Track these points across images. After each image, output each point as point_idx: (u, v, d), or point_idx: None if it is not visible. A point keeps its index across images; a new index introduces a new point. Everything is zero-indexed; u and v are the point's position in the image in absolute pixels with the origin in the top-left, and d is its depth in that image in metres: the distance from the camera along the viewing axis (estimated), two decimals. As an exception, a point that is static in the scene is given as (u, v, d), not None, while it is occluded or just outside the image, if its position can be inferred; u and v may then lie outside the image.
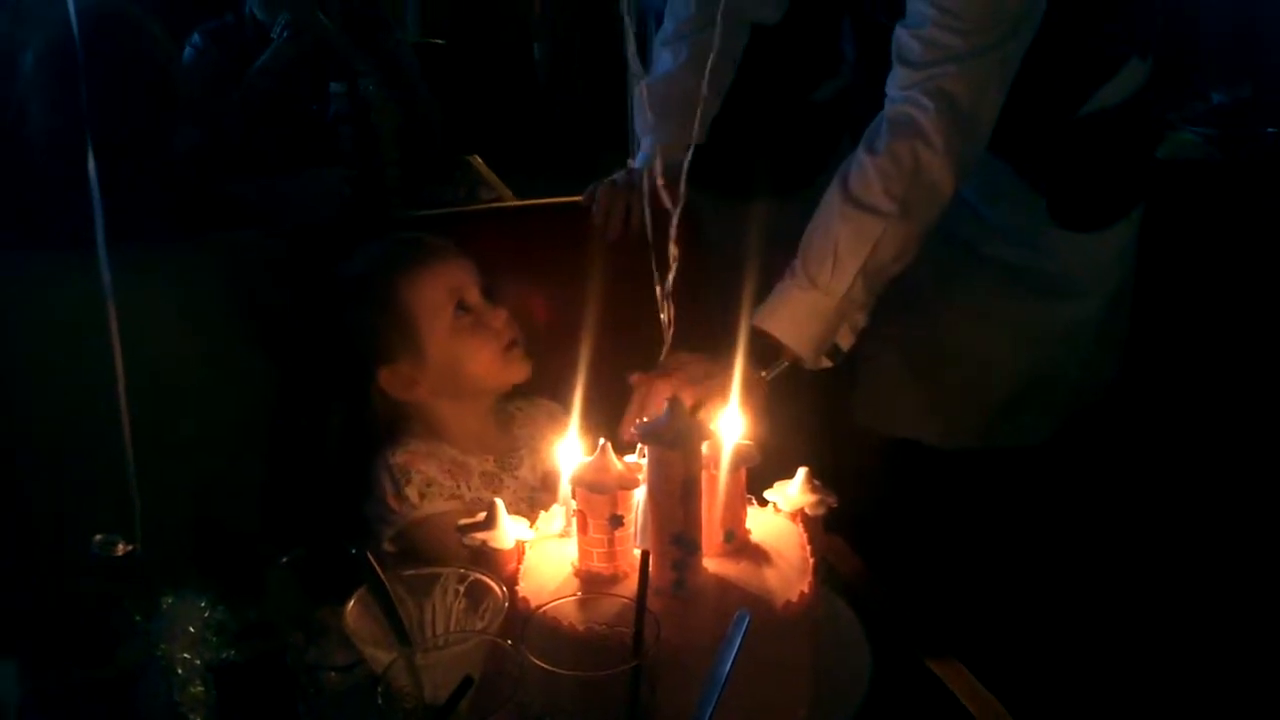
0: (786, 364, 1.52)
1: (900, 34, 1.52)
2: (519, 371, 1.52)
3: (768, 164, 2.04)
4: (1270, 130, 3.02)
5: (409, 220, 1.93)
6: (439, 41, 4.24)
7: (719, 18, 1.55)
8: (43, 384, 1.49)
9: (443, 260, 1.52)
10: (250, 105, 2.67)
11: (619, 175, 1.78)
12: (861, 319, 1.55)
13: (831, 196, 1.52)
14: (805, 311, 1.51)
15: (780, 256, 1.58)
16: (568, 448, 1.14)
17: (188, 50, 2.75)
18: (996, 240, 1.82)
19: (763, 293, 1.54)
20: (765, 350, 1.51)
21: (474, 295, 1.51)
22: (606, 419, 1.45)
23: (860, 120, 1.63)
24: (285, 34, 2.74)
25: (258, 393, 1.55)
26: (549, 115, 5.28)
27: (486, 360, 1.50)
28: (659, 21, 1.97)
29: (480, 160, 2.96)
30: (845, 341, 1.56)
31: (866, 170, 1.49)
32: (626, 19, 1.48)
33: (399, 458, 1.46)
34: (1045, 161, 1.74)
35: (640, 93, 1.63)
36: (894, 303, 1.62)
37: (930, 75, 1.48)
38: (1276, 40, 3.80)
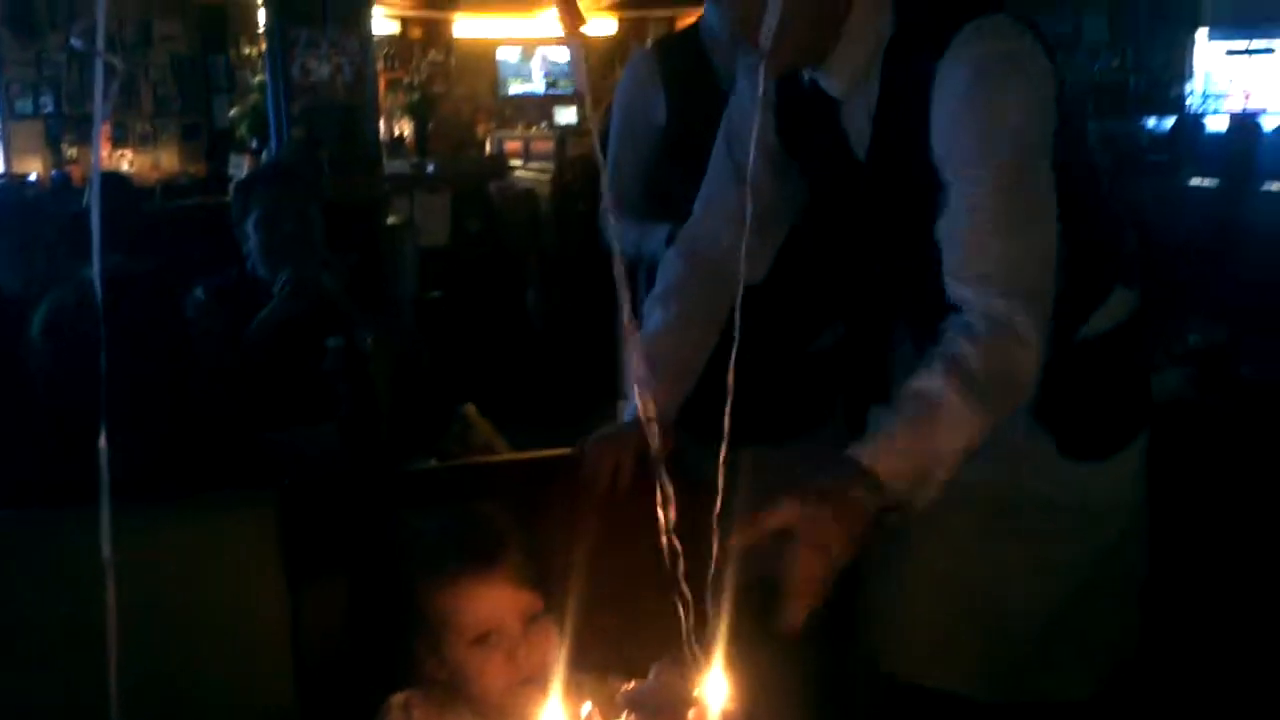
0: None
1: (950, 233, 1.56)
2: (521, 708, 1.38)
3: (764, 413, 2.05)
4: (1245, 370, 3.08)
5: (405, 476, 1.94)
6: (436, 294, 4.37)
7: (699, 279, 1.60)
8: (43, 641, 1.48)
9: (492, 581, 1.43)
10: (248, 361, 2.72)
11: (608, 429, 1.79)
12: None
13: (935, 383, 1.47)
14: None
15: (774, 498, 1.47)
16: (552, 713, 1.12)
17: (190, 306, 2.82)
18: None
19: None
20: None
21: (514, 625, 1.43)
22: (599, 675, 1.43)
23: (856, 369, 1.65)
24: (286, 290, 2.83)
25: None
26: (543, 363, 5.38)
27: (495, 688, 1.42)
28: (651, 278, 2.02)
29: (474, 409, 3.00)
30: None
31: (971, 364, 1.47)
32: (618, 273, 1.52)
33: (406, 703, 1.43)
34: (1043, 390, 1.68)
35: (630, 348, 1.66)
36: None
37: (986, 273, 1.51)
38: (1252, 283, 3.93)
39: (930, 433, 1.43)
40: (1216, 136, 7.60)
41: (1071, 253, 1.61)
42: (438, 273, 5.41)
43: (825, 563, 1.31)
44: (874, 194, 1.71)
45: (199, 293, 2.86)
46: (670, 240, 2.11)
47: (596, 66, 11.18)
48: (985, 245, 1.53)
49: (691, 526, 1.10)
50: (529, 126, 10.05)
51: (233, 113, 8.72)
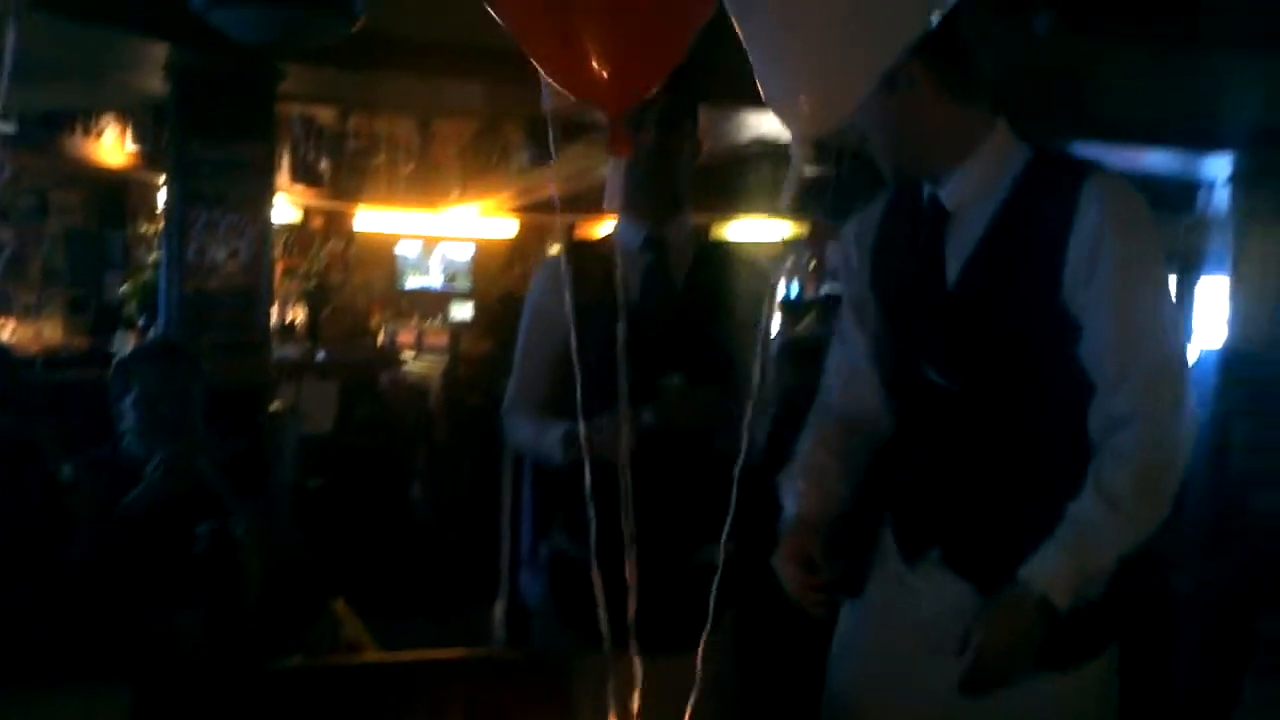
0: None
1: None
2: None
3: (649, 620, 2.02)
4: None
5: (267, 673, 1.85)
6: (317, 482, 4.28)
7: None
8: None
9: None
10: (116, 540, 2.61)
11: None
12: None
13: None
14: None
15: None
16: None
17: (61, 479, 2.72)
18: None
19: None
20: None
21: None
22: None
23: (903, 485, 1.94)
24: (160, 470, 2.73)
25: None
26: (424, 557, 5.27)
27: None
28: (535, 474, 2.02)
29: (344, 605, 2.91)
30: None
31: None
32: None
33: None
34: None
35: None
36: None
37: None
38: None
39: (1083, 552, 1.77)
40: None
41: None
42: (321, 461, 5.32)
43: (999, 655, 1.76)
44: (957, 315, 1.89)
45: (67, 469, 2.76)
46: (566, 440, 2.19)
47: (496, 264, 11.38)
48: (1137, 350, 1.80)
49: None
50: (424, 319, 10.11)
51: (123, 289, 8.61)
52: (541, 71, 1.61)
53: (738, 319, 2.27)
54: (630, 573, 1.72)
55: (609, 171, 2.42)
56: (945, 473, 1.93)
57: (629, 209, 2.34)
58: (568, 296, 2.35)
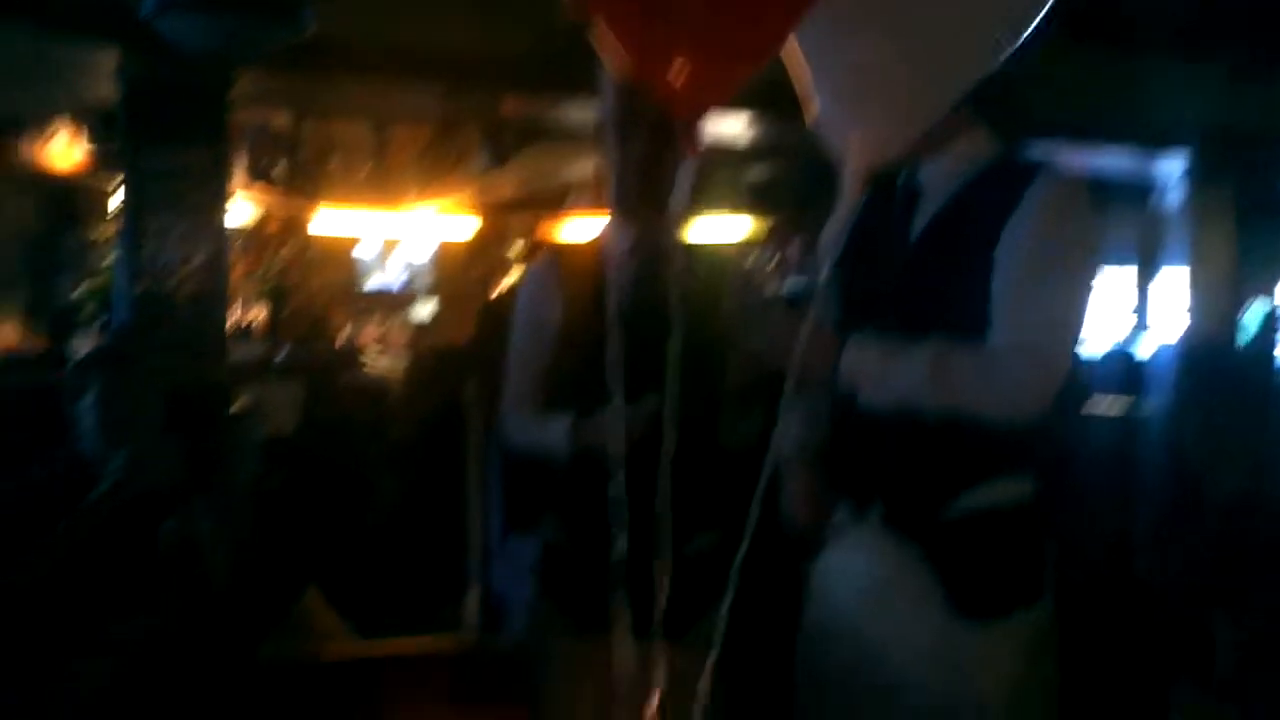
0: None
1: None
2: None
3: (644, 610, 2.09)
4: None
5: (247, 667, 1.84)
6: (277, 483, 4.25)
7: None
8: None
9: None
10: (70, 546, 2.58)
11: None
12: None
13: None
14: None
15: None
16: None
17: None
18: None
19: None
20: None
21: None
22: None
23: None
24: (120, 473, 2.71)
25: None
26: (390, 552, 5.26)
27: None
28: (508, 472, 2.05)
29: (318, 594, 2.90)
30: None
31: None
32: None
33: None
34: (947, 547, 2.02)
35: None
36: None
37: None
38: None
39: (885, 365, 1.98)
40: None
41: None
42: (283, 461, 5.28)
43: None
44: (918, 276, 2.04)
45: (34, 471, 2.74)
46: (572, 433, 2.30)
47: (457, 264, 11.34)
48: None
49: None
50: (385, 320, 10.06)
51: (78, 292, 8.51)
52: (610, 68, 1.67)
53: (728, 319, 2.36)
54: (661, 568, 1.87)
55: (598, 173, 2.46)
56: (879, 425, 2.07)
57: (619, 211, 2.38)
58: (556, 293, 2.41)
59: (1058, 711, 2.10)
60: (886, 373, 2.00)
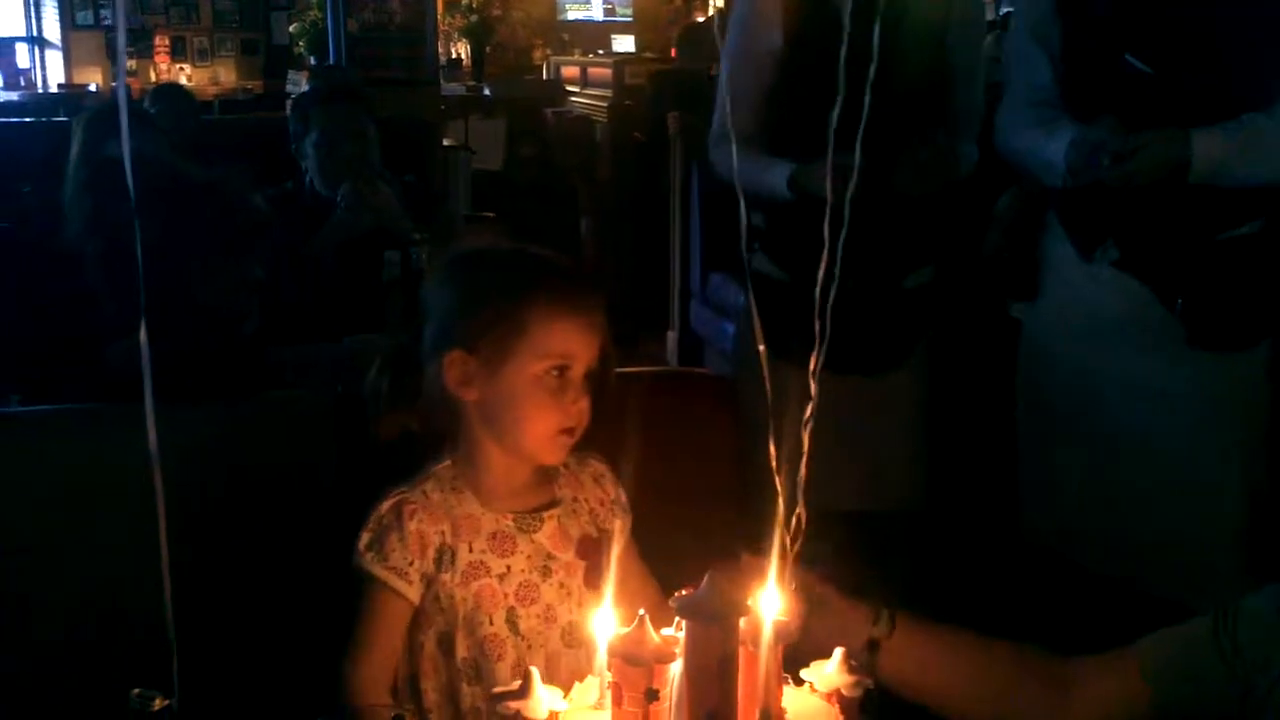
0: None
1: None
2: (554, 456, 1.42)
3: (856, 343, 2.05)
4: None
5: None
6: (489, 215, 4.37)
7: None
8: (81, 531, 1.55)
9: (577, 319, 1.40)
10: (309, 275, 2.75)
11: None
12: None
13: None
14: None
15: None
16: (603, 618, 1.14)
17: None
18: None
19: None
20: None
21: (578, 370, 1.39)
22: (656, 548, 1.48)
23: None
24: (345, 205, 2.84)
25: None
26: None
27: (535, 429, 1.39)
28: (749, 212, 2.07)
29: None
30: None
31: None
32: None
33: (397, 505, 1.39)
34: (1184, 283, 1.97)
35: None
36: None
37: None
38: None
39: (1241, 147, 1.93)
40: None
41: None
42: (490, 196, 5.41)
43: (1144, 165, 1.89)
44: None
45: (258, 199, 2.87)
46: (790, 183, 2.13)
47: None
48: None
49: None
50: (586, 53, 9.97)
51: (291, 29, 8.71)
52: None
53: (952, 35, 2.23)
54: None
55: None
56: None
57: None
58: (776, 13, 2.25)
59: None
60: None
